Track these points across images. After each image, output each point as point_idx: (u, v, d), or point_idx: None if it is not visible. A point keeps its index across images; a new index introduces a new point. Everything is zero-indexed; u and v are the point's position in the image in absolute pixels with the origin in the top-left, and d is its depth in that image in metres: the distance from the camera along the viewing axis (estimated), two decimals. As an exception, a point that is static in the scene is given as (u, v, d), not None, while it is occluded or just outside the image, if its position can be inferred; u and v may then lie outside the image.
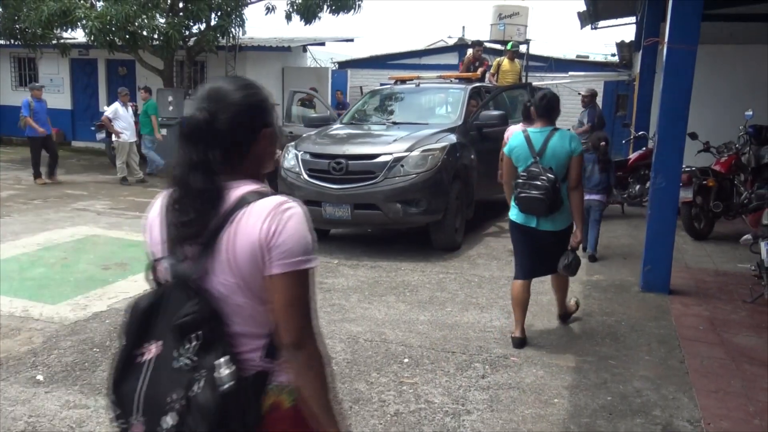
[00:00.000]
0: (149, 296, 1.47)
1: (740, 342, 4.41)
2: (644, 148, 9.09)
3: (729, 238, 7.43)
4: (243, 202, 1.42)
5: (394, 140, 6.70)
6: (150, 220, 1.55)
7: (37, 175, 10.87)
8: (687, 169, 7.11)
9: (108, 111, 11.35)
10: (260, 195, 1.44)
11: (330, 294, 5.29)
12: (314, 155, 6.77)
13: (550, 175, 4.07)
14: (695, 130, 7.51)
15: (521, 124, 5.90)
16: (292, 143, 7.51)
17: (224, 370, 1.35)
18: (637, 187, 8.80)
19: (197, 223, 1.40)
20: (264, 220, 1.39)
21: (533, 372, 3.87)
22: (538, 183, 4.05)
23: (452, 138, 6.92)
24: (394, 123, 7.57)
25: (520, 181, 4.16)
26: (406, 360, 4.00)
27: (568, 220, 4.26)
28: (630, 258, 6.60)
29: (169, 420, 1.33)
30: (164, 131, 12.60)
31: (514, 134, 4.46)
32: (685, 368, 3.96)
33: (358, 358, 4.02)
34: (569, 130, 5.69)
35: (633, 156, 9.12)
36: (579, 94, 8.71)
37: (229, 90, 1.47)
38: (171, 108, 12.94)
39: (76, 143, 16.12)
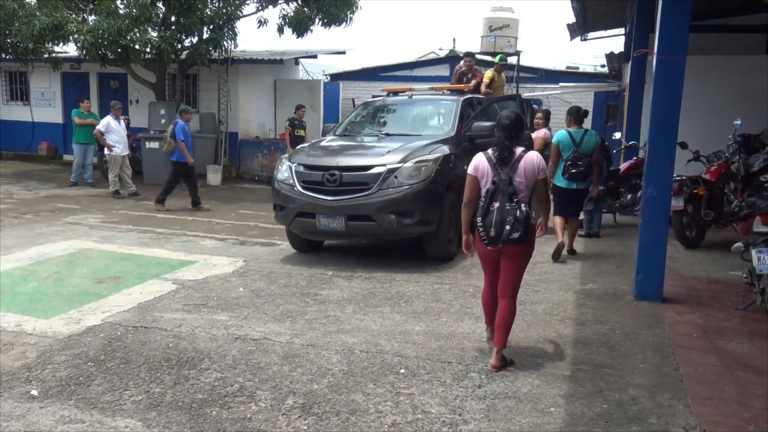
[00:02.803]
0: (492, 187, 3.98)
1: (733, 349, 4.44)
2: (635, 158, 9.16)
3: (720, 246, 7.49)
4: (523, 152, 4.02)
5: (388, 152, 6.72)
6: (480, 164, 4.07)
7: (161, 200, 9.96)
8: (678, 178, 7.18)
9: (100, 124, 11.34)
10: (527, 150, 4.07)
11: (325, 305, 5.29)
12: (308, 167, 6.78)
13: (588, 158, 6.93)
14: (685, 140, 7.60)
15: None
16: (285, 155, 7.52)
17: (524, 207, 3.94)
18: (629, 196, 8.87)
19: (507, 160, 3.98)
20: (535, 159, 4.02)
21: (529, 381, 3.89)
22: (581, 163, 6.90)
23: (445, 149, 6.95)
24: (387, 134, 7.58)
25: (569, 162, 6.90)
26: (402, 371, 4.00)
27: (590, 182, 7.12)
28: (623, 267, 6.64)
29: (507, 227, 3.88)
30: (157, 144, 12.55)
31: (559, 132, 7.18)
32: (680, 376, 3.98)
33: (354, 369, 4.02)
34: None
35: (624, 165, 9.20)
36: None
37: (513, 114, 4.06)
38: (163, 121, 12.90)
39: (68, 157, 16.04)
